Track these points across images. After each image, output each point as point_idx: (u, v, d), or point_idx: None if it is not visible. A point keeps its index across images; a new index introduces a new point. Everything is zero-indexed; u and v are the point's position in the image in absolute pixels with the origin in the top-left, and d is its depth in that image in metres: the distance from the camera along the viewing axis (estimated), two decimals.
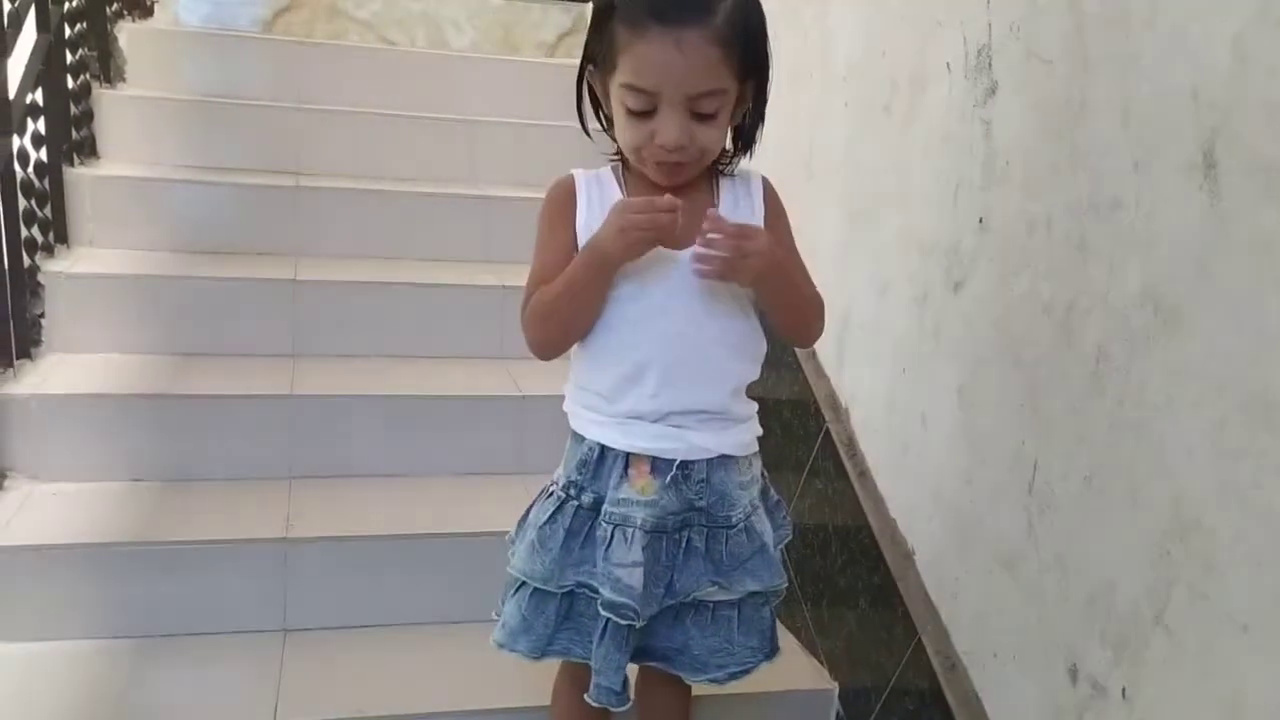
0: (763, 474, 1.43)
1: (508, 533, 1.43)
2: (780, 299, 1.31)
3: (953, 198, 1.54)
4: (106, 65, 2.78)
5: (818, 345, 1.94)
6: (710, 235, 1.21)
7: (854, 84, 1.86)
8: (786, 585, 1.40)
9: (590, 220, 1.31)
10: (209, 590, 1.80)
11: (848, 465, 1.78)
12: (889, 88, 1.73)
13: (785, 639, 1.91)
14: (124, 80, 2.89)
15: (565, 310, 1.30)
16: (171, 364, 2.20)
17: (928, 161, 1.61)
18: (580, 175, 1.36)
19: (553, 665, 1.47)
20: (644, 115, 1.23)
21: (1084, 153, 1.27)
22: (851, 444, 1.80)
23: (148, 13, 3.17)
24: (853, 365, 1.83)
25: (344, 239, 2.56)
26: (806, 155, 2.00)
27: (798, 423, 1.94)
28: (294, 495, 2.01)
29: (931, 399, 1.58)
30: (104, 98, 2.69)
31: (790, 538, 1.44)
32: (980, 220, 1.47)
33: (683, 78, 1.19)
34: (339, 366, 2.28)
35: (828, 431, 1.85)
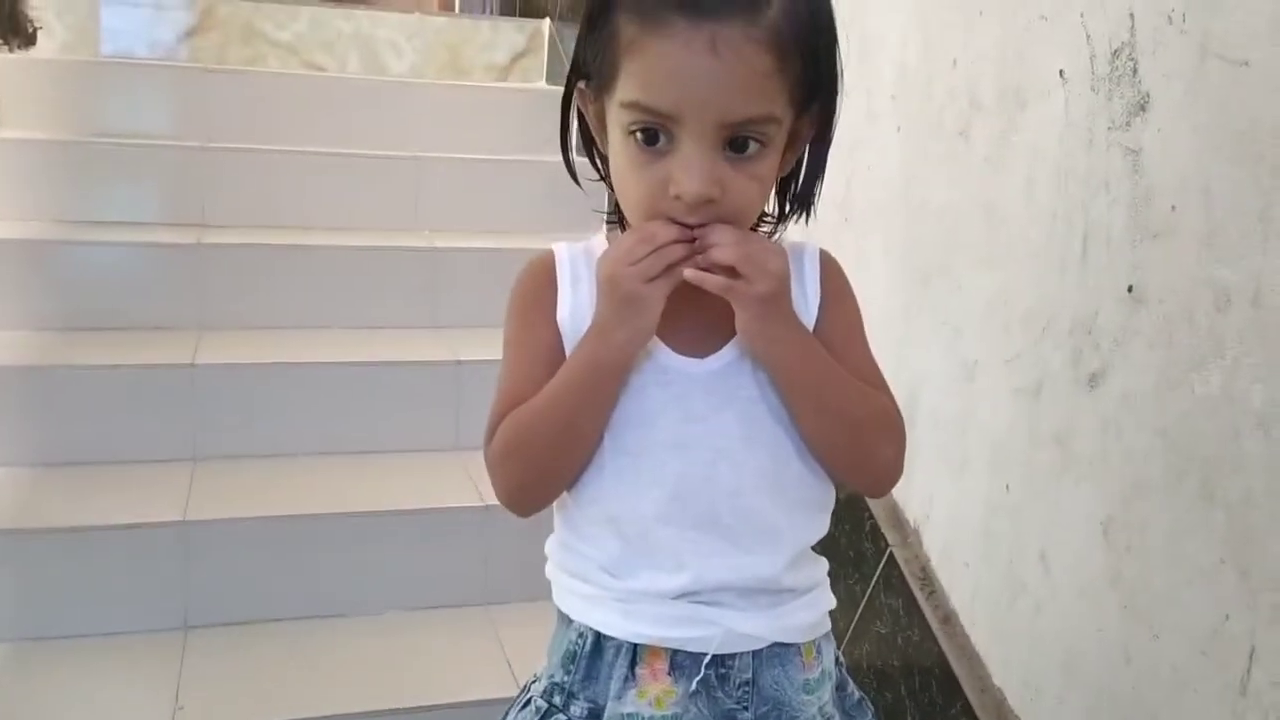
0: (839, 661, 0.99)
1: None
2: (813, 390, 0.87)
3: (1079, 256, 1.11)
4: None
5: None
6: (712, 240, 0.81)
7: (910, 102, 1.43)
8: None
9: (578, 309, 0.90)
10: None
11: (924, 605, 1.34)
12: (965, 106, 1.30)
13: None
14: None
15: (550, 434, 0.88)
16: (43, 478, 1.74)
17: (1033, 204, 1.19)
18: (562, 251, 0.93)
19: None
20: (655, 153, 0.81)
21: None
22: (927, 576, 1.36)
23: (30, 40, 2.70)
24: (925, 471, 1.39)
25: (257, 305, 2.09)
26: (842, 194, 1.57)
27: (847, 540, 1.50)
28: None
29: (1056, 530, 1.15)
30: None
31: None
32: (1130, 289, 1.05)
33: (716, 95, 0.79)
34: (246, 470, 1.82)
35: (891, 557, 1.41)
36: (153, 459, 1.82)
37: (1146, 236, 1.03)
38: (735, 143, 0.80)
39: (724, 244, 0.80)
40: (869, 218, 1.52)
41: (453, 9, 4.27)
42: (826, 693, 0.95)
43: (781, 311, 0.85)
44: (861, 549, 1.47)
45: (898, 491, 1.44)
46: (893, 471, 0.94)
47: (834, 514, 1.52)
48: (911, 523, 1.42)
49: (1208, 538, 0.96)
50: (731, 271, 0.81)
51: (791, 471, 0.90)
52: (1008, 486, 1.23)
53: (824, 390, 0.87)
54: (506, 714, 0.97)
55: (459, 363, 1.94)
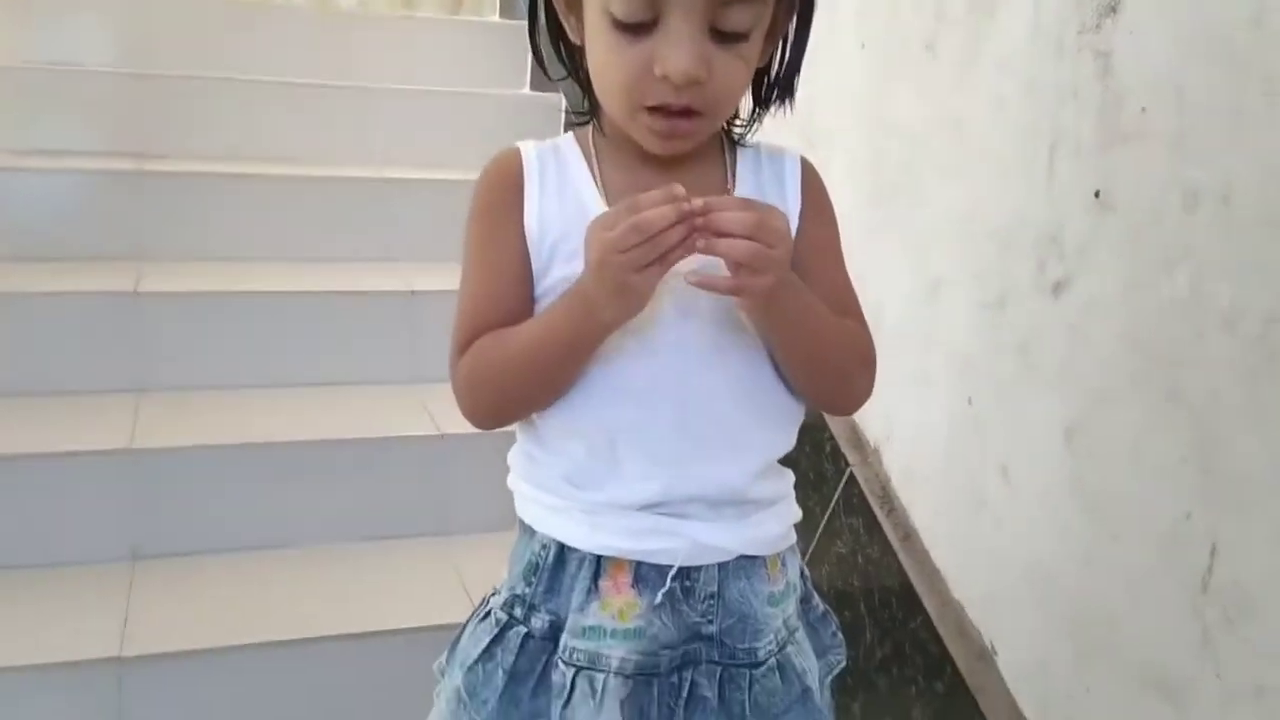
0: (803, 574, 0.98)
1: (438, 660, 0.96)
2: (802, 331, 0.85)
3: (1046, 165, 1.11)
4: None
5: None
6: (712, 237, 0.75)
7: (875, 19, 1.41)
8: None
9: (546, 215, 0.86)
10: None
11: (885, 524, 1.34)
12: (932, 19, 1.29)
13: None
14: None
15: (525, 382, 0.85)
16: None
17: (1001, 115, 1.18)
18: (529, 149, 0.89)
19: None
20: (638, 32, 0.78)
21: None
22: (887, 495, 1.36)
23: None
24: (884, 389, 1.38)
25: (201, 236, 2.03)
26: (805, 114, 1.54)
27: (807, 461, 1.50)
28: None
29: (1019, 442, 1.15)
30: None
31: (844, 664, 0.99)
32: (1096, 195, 1.04)
33: None
34: (194, 401, 1.78)
35: (851, 476, 1.41)
36: (98, 389, 1.76)
37: (1116, 140, 1.02)
38: (723, 20, 0.77)
39: (734, 241, 0.75)
40: (832, 137, 1.50)
41: None
42: (791, 605, 0.94)
43: (785, 291, 0.81)
44: (822, 469, 1.47)
45: (858, 412, 1.44)
46: (864, 397, 0.93)
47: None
48: (871, 442, 1.41)
49: (1171, 438, 0.96)
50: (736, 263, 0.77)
51: (763, 380, 0.88)
52: (970, 400, 1.23)
53: (814, 346, 0.85)
54: (464, 626, 0.95)
55: (413, 293, 1.91)
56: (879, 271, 1.39)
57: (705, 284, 0.78)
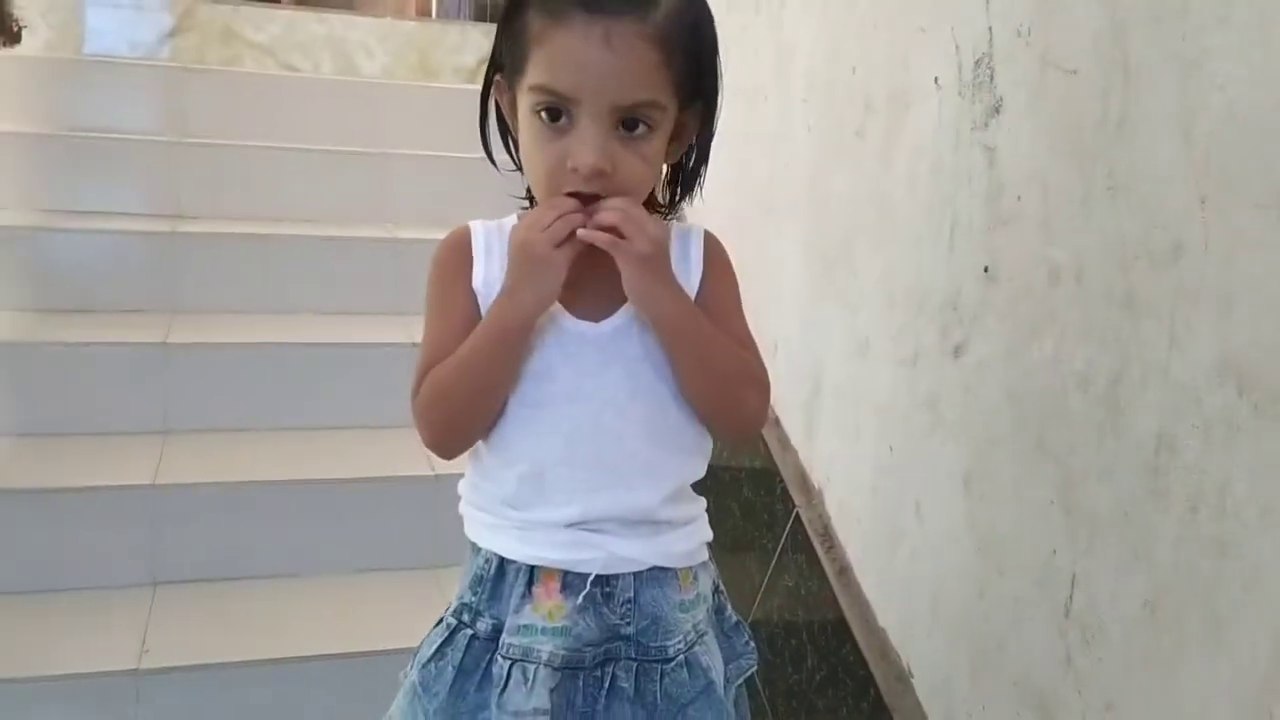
0: (716, 589, 1.13)
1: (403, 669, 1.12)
2: (687, 344, 1.01)
3: (948, 241, 1.26)
4: None
5: (782, 412, 1.65)
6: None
7: (817, 104, 1.57)
8: None
9: (490, 277, 1.03)
10: None
11: (823, 560, 1.48)
12: (861, 108, 1.45)
13: None
14: None
15: (468, 387, 1.01)
16: (22, 448, 1.86)
17: (914, 195, 1.33)
18: (477, 227, 1.07)
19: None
20: (557, 131, 0.95)
21: (1125, 184, 0.99)
22: (827, 533, 1.50)
23: (14, 39, 2.82)
24: (826, 438, 1.53)
25: (226, 292, 2.22)
26: (764, 189, 1.72)
27: (761, 504, 1.64)
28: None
29: (928, 485, 1.29)
30: None
31: (754, 669, 1.14)
32: (985, 269, 1.19)
33: (609, 80, 0.93)
34: (214, 442, 1.95)
35: (798, 517, 1.55)
36: (126, 430, 1.94)
37: (999, 223, 1.17)
38: (627, 123, 0.94)
39: (610, 208, 0.94)
40: (785, 210, 1.66)
41: (429, 14, 4.40)
42: (701, 613, 1.08)
43: (660, 271, 0.98)
44: (774, 511, 1.61)
45: (805, 457, 1.58)
46: (757, 419, 1.08)
47: (749, 476, 1.67)
48: (816, 485, 1.56)
49: (1041, 483, 1.10)
50: (616, 233, 0.95)
51: (670, 420, 1.04)
52: (891, 448, 1.37)
53: (697, 344, 1.01)
54: (426, 637, 1.11)
55: (414, 345, 2.07)
56: (820, 331, 1.54)
57: (589, 237, 0.93)
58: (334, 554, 1.83)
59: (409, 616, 1.70)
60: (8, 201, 2.35)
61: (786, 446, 1.63)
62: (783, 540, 1.58)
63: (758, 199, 1.74)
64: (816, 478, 1.56)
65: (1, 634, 1.59)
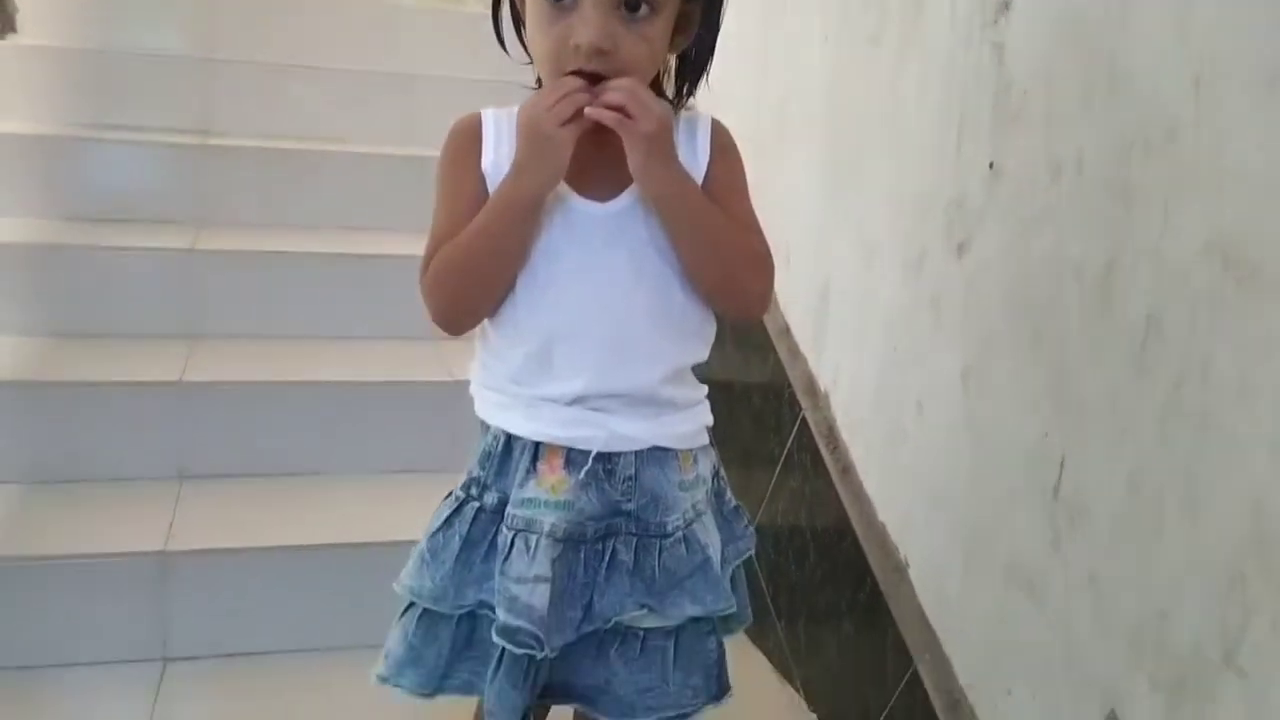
0: (717, 474, 1.17)
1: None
2: (689, 224, 1.04)
3: (955, 142, 1.28)
4: None
5: (792, 322, 1.69)
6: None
7: (835, 12, 1.59)
8: (735, 609, 1.13)
9: (500, 160, 1.07)
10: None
11: (828, 460, 1.52)
12: (877, 14, 1.46)
13: (756, 663, 1.66)
14: (14, 30, 2.57)
15: (475, 263, 1.05)
16: (51, 347, 1.93)
17: (925, 100, 1.35)
18: (488, 113, 1.11)
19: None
20: (561, 10, 0.99)
21: (1127, 73, 1.01)
22: (832, 435, 1.54)
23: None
24: (834, 344, 1.57)
25: (254, 202, 2.27)
26: (781, 105, 1.73)
27: (770, 411, 1.68)
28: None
29: (929, 383, 1.32)
30: None
31: (751, 552, 1.18)
32: (990, 165, 1.21)
33: None
34: (240, 345, 2.02)
35: (804, 420, 1.59)
36: (155, 334, 2.00)
37: (1005, 121, 1.19)
38: (629, 4, 0.97)
39: (616, 88, 0.97)
40: (801, 126, 1.68)
41: None
42: (700, 494, 1.13)
43: (664, 151, 1.02)
44: (781, 415, 1.65)
45: (813, 363, 1.62)
46: (760, 302, 1.11)
47: (759, 387, 1.72)
48: (823, 390, 1.59)
49: (1036, 374, 1.13)
50: (622, 113, 0.98)
51: (674, 301, 1.08)
52: (895, 349, 1.40)
53: (699, 225, 1.04)
54: (435, 510, 1.16)
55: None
56: (832, 242, 1.57)
57: (595, 114, 0.96)
58: (354, 454, 1.89)
59: (424, 514, 1.77)
60: (42, 115, 2.40)
61: (796, 355, 1.66)
62: (789, 444, 1.62)
63: (776, 117, 1.76)
64: (823, 382, 1.59)
65: (33, 518, 1.65)
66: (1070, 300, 1.08)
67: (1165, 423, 0.95)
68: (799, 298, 1.65)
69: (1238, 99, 0.88)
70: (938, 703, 1.25)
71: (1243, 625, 0.87)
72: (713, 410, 1.15)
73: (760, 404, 1.71)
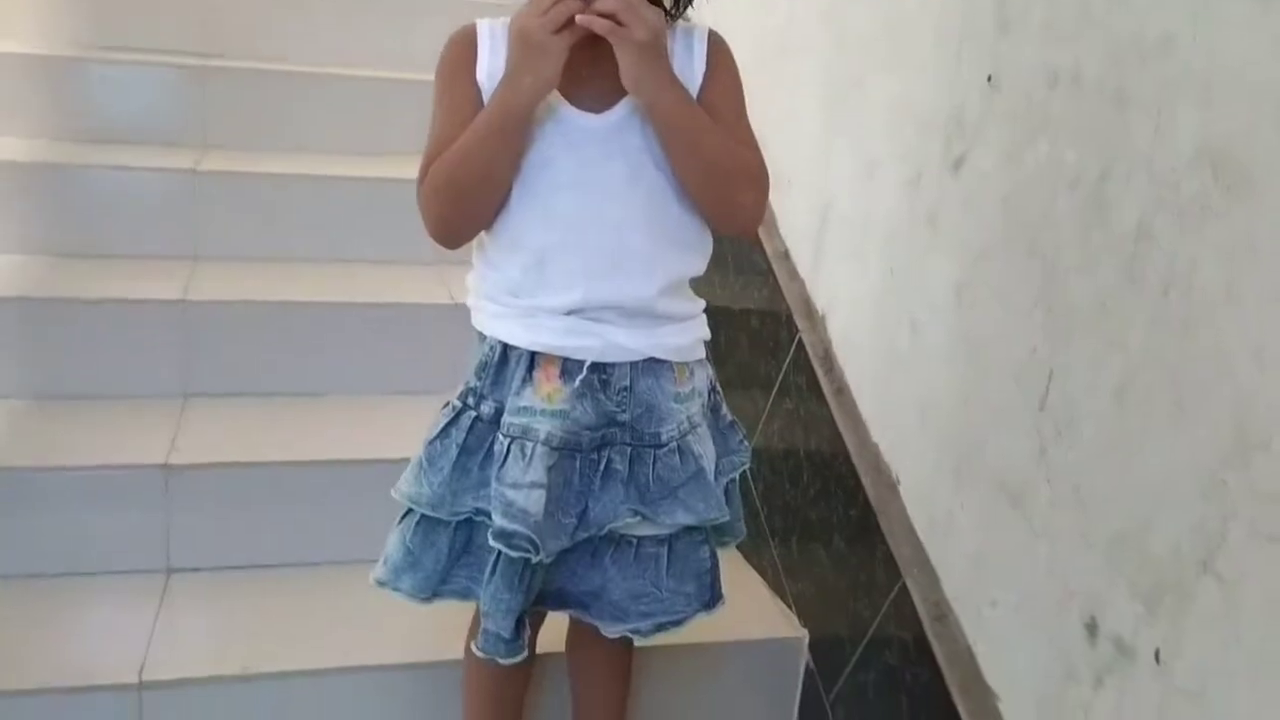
0: (713, 389, 1.18)
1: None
2: (680, 133, 1.04)
3: (956, 55, 1.27)
4: None
5: (791, 243, 1.68)
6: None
7: None
8: (728, 519, 1.15)
9: (494, 70, 1.07)
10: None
11: (823, 381, 1.53)
12: None
13: (749, 580, 1.69)
14: None
15: (470, 173, 1.05)
16: (55, 265, 1.93)
17: (926, 15, 1.34)
18: (483, 23, 1.11)
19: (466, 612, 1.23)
20: None
21: None
22: (828, 357, 1.54)
23: None
24: (832, 265, 1.56)
25: (256, 125, 2.27)
26: (782, 27, 1.72)
27: (767, 333, 1.68)
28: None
29: (924, 301, 1.32)
30: None
31: (747, 465, 1.20)
32: (989, 78, 1.20)
33: None
34: (241, 269, 2.02)
35: (800, 342, 1.59)
36: (158, 254, 2.00)
37: (1005, 32, 1.18)
38: None
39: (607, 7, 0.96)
40: (802, 50, 1.67)
41: None
42: (694, 407, 1.14)
43: (657, 60, 1.01)
44: (778, 337, 1.65)
45: (809, 283, 1.62)
46: (753, 215, 1.11)
47: (756, 310, 1.72)
48: (820, 311, 1.59)
49: (1028, 285, 1.13)
50: (615, 21, 0.98)
51: (670, 213, 1.08)
52: (892, 269, 1.40)
53: (692, 135, 1.04)
54: (433, 420, 1.17)
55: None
56: (833, 161, 1.56)
57: (587, 22, 0.96)
58: (356, 375, 1.90)
59: (424, 432, 1.78)
60: (45, 35, 2.39)
61: (794, 278, 1.66)
62: (785, 365, 1.62)
63: (777, 40, 1.74)
64: (820, 304, 1.59)
65: (39, 432, 1.67)
66: (1064, 212, 1.08)
67: (1152, 330, 0.96)
68: (800, 221, 1.64)
69: (1235, 7, 0.87)
70: (925, 615, 1.27)
71: (1221, 531, 0.88)
72: (712, 333, 1.16)
73: (758, 326, 1.72)
